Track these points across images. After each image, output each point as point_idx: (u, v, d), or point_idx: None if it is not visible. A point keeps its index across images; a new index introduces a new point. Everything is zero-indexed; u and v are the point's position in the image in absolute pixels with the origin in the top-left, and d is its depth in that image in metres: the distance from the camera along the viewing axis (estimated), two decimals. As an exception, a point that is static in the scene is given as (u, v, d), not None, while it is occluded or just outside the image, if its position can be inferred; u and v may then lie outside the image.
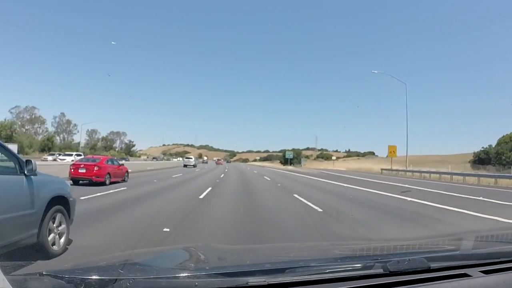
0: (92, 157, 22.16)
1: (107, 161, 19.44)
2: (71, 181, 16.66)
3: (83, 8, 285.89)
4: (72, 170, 17.69)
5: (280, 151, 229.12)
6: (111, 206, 10.90)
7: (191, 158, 62.03)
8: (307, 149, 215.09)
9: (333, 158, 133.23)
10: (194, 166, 54.08)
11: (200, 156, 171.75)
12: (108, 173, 18.04)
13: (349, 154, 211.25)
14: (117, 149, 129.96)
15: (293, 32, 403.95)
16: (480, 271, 1.64)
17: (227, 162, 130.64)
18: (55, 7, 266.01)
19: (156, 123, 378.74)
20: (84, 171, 17.48)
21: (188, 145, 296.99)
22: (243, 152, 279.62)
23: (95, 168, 17.56)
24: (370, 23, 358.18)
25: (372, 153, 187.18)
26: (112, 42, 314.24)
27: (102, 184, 17.27)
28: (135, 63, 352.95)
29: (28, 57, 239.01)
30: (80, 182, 17.49)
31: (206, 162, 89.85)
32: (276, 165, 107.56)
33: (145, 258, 1.70)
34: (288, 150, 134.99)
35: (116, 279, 1.21)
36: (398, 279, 1.49)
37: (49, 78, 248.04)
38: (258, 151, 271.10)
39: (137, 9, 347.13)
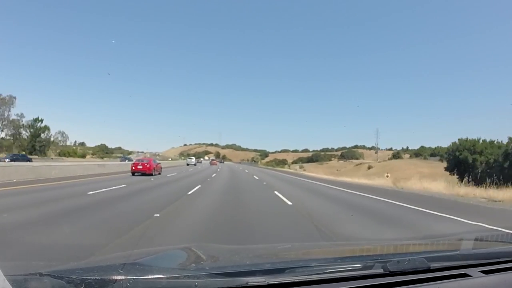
0: (144, 158, 28.01)
1: (152, 161, 23.95)
2: (131, 173, 21.53)
3: (85, 7, 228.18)
4: (133, 167, 21.81)
5: (322, 150, 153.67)
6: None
7: (192, 158, 67.12)
8: (356, 146, 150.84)
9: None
10: (195, 164, 57.61)
11: (219, 156, 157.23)
12: (154, 168, 22.22)
13: (419, 151, 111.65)
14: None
15: (332, 28, 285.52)
16: (480, 271, 1.37)
17: (221, 162, 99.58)
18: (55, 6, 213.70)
19: (178, 123, 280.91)
20: (141, 167, 21.64)
21: (211, 144, 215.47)
22: (276, 151, 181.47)
23: (147, 165, 21.84)
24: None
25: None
26: (112, 41, 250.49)
27: (151, 175, 21.07)
28: (142, 61, 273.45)
29: (29, 57, 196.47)
30: (135, 174, 21.11)
31: (201, 162, 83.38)
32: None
33: (145, 258, 1.47)
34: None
35: (116, 279, 1.00)
36: (398, 279, 1.24)
37: (50, 77, 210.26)
38: (295, 150, 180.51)
39: (152, 6, 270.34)
